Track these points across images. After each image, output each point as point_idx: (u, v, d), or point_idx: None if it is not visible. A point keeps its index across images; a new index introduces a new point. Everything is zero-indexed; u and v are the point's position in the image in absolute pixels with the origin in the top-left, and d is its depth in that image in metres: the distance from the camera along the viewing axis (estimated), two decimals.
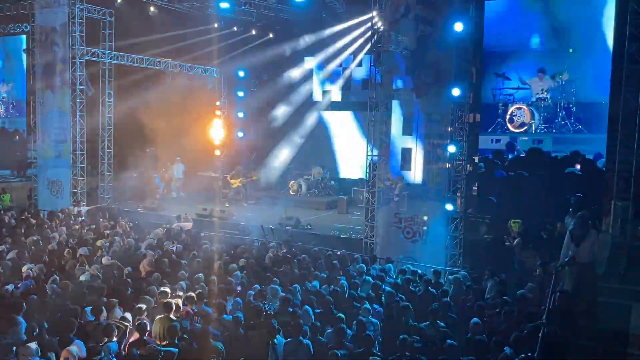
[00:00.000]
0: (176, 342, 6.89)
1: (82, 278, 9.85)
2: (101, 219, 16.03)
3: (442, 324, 7.89)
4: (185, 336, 7.14)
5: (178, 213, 16.37)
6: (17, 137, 24.45)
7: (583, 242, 8.36)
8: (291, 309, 8.19)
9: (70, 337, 6.74)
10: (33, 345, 6.53)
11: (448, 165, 13.54)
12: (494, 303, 8.96)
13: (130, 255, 11.70)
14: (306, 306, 8.43)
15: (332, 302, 8.61)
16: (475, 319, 7.77)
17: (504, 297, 9.14)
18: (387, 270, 10.99)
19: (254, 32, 21.53)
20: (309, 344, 7.05)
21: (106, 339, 6.82)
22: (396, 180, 14.53)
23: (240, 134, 24.12)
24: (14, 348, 6.47)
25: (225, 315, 8.07)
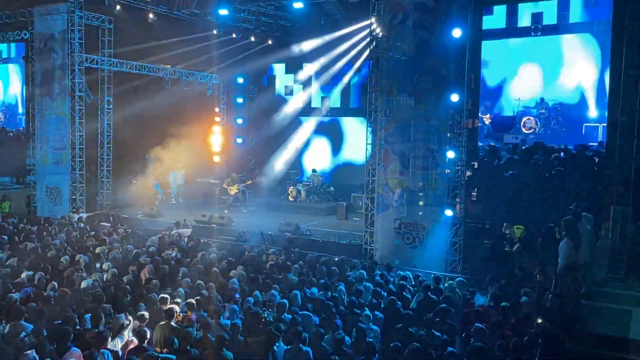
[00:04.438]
0: (188, 349, 6.86)
1: (82, 285, 9.82)
2: (100, 226, 16.00)
3: (438, 333, 7.85)
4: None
5: (177, 219, 16.34)
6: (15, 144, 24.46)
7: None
8: (290, 316, 8.17)
9: (67, 344, 6.72)
10: (31, 353, 6.50)
11: (447, 170, 13.54)
12: (494, 309, 8.93)
13: (129, 262, 11.67)
14: (307, 312, 8.40)
15: (331, 309, 8.58)
16: (475, 325, 7.75)
17: (504, 303, 9.11)
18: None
19: (252, 38, 21.59)
20: (308, 351, 7.02)
21: (101, 346, 6.77)
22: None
23: (239, 140, 24.17)
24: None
25: (223, 321, 8.05)
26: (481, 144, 16.63)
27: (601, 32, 15.85)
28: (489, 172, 15.03)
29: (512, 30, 16.99)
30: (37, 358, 6.48)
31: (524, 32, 16.72)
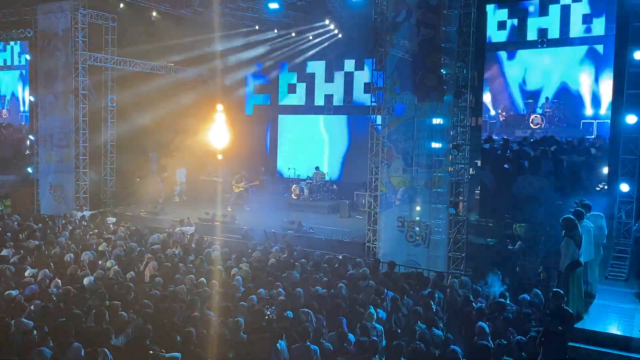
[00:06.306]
0: (192, 348, 6.88)
1: (85, 282, 9.86)
2: (105, 222, 16.06)
3: (440, 332, 7.86)
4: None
5: (180, 217, 16.37)
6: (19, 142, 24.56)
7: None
8: (292, 314, 8.18)
9: (69, 340, 6.74)
10: (47, 350, 6.55)
11: (450, 169, 13.52)
12: (497, 307, 8.92)
13: (132, 259, 11.71)
14: (309, 310, 8.40)
15: (335, 306, 8.59)
16: (479, 324, 7.75)
17: (507, 302, 9.10)
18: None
19: (257, 28, 21.42)
20: (316, 350, 7.03)
21: (105, 343, 6.79)
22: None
23: (242, 139, 24.15)
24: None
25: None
26: (496, 137, 18.83)
27: (597, 44, 18.58)
28: (493, 169, 15.33)
29: (521, 43, 19.57)
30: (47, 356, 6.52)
31: (532, 44, 19.29)
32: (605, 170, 13.90)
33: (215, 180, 21.93)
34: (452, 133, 13.44)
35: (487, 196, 15.68)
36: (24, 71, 28.21)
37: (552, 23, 18.99)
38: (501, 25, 19.53)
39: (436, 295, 9.59)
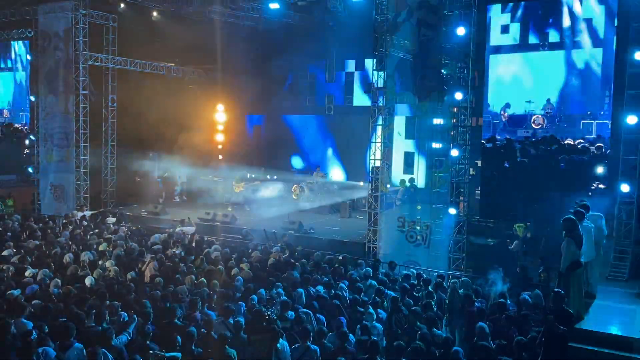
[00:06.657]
0: (192, 348, 6.88)
1: (86, 282, 9.85)
2: (106, 222, 16.06)
3: (439, 332, 7.86)
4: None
5: (181, 217, 16.36)
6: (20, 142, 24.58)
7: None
8: (293, 313, 8.18)
9: (70, 340, 6.73)
10: (51, 351, 6.54)
11: (451, 169, 13.53)
12: (497, 307, 8.92)
13: (133, 259, 11.70)
14: (308, 310, 8.41)
15: (335, 307, 8.59)
16: (479, 324, 7.75)
17: (507, 302, 9.09)
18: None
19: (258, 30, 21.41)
20: (316, 350, 7.03)
21: (105, 343, 6.77)
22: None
23: (243, 139, 24.17)
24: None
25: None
26: (499, 136, 19.45)
27: (596, 47, 19.38)
28: (494, 169, 15.44)
29: (524, 46, 20.46)
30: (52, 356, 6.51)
31: (534, 47, 20.25)
32: (600, 169, 14.26)
33: (215, 180, 21.93)
34: (452, 133, 13.44)
35: (488, 196, 15.71)
36: (24, 72, 28.36)
37: (553, 26, 19.80)
38: (504, 28, 20.44)
39: (436, 295, 9.58)
